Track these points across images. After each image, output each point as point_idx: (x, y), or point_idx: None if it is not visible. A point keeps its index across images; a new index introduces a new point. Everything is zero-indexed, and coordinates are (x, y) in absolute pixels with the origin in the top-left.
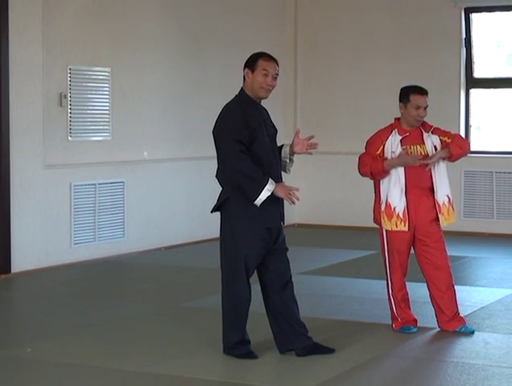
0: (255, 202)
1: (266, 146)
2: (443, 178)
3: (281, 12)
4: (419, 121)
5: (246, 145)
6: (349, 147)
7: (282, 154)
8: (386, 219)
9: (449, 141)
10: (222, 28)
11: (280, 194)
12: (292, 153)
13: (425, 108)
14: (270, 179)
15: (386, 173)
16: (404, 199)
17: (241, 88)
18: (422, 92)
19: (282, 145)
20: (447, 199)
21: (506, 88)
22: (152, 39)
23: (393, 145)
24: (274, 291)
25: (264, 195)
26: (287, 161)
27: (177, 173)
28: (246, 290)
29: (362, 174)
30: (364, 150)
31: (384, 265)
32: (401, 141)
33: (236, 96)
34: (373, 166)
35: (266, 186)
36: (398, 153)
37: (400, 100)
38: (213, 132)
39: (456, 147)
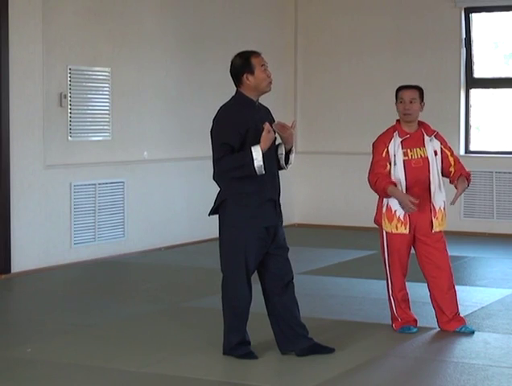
0: (258, 173)
1: None
2: (441, 183)
3: (281, 12)
4: (406, 115)
5: (235, 146)
6: (349, 147)
7: (279, 151)
8: (386, 221)
9: (452, 159)
10: (222, 28)
11: (263, 143)
12: (285, 145)
13: (410, 101)
14: (251, 149)
15: (386, 194)
16: None
17: (237, 90)
18: (408, 86)
19: (279, 144)
20: (443, 205)
21: (506, 88)
22: (152, 38)
23: (394, 148)
24: (274, 293)
25: (257, 164)
26: (282, 156)
27: (177, 173)
28: (247, 291)
29: (368, 181)
30: (371, 154)
31: (384, 266)
32: (401, 142)
33: (232, 97)
34: (380, 181)
35: (254, 157)
36: (398, 155)
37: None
38: (211, 132)
39: (467, 174)
